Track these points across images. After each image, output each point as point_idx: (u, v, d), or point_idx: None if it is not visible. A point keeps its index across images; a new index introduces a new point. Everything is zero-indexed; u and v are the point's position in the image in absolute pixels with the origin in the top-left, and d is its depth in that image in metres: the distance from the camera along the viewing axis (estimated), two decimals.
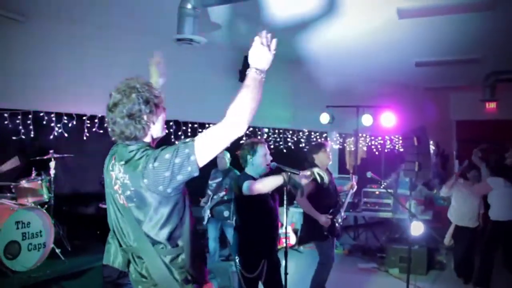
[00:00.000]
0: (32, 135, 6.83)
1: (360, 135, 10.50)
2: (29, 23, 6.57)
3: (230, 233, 6.50)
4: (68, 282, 5.10)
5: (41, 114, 6.93)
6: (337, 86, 9.60)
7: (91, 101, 7.15)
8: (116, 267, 2.43)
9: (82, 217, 7.18)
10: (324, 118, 9.19)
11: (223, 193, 6.45)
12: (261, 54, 2.33)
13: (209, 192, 6.69)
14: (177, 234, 2.27)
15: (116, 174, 2.31)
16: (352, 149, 10.86)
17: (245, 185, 3.72)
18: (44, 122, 6.96)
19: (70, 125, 7.13)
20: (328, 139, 10.27)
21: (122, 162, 2.29)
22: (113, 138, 2.36)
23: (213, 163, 6.78)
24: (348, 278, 6.68)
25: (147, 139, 2.36)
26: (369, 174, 5.57)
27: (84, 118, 7.29)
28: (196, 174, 2.16)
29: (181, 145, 2.18)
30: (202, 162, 2.17)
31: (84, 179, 7.19)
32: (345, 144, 11.16)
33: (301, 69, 9.14)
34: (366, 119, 8.95)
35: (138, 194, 2.21)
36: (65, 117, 7.10)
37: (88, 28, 6.89)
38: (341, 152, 11.14)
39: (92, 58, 7.04)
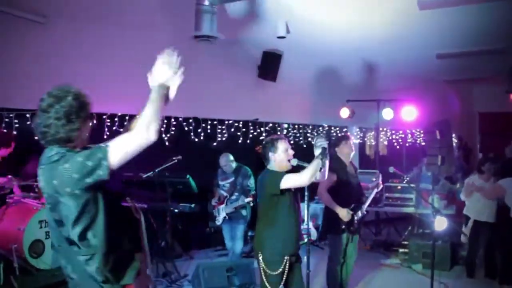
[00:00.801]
0: None
1: (380, 129, 10.38)
2: (49, 25, 6.63)
3: (240, 231, 6.53)
4: None
5: None
6: (357, 80, 9.50)
7: (110, 100, 7.20)
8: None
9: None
10: (344, 112, 9.11)
11: (249, 198, 6.37)
12: (162, 71, 2.53)
13: (223, 193, 6.62)
14: (89, 235, 2.30)
15: (39, 178, 2.38)
16: (373, 143, 10.75)
17: (285, 179, 3.69)
18: None
19: (90, 124, 7.18)
20: (349, 133, 10.17)
21: (42, 166, 2.35)
22: (42, 142, 2.38)
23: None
24: (370, 274, 6.61)
25: (78, 144, 2.39)
26: (391, 169, 5.49)
27: (104, 117, 7.34)
28: (106, 178, 2.21)
29: (95, 149, 2.23)
30: (114, 167, 2.22)
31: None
32: (365, 139, 11.05)
33: (321, 63, 9.06)
34: (387, 113, 8.84)
35: (51, 196, 2.29)
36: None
37: (107, 27, 6.91)
38: (362, 146, 11.04)
39: (111, 57, 7.07)
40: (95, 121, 7.14)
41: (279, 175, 3.77)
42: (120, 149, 2.24)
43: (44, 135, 2.32)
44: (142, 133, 2.30)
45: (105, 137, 7.25)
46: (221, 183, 6.67)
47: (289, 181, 3.72)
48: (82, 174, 2.17)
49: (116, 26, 6.93)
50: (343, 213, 4.99)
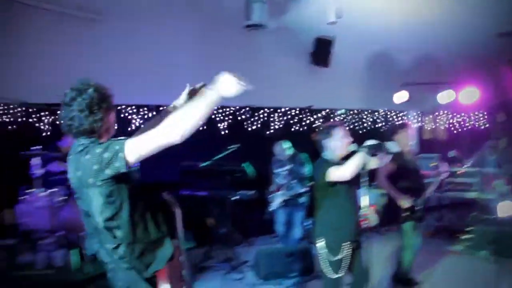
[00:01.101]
0: (114, 127, 7.13)
1: (439, 112, 10.11)
2: (105, 21, 6.84)
3: (299, 218, 6.58)
4: None
5: (121, 107, 7.23)
6: (413, 62, 9.26)
7: (167, 92, 7.33)
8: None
9: (164, 203, 7.43)
10: (401, 96, 8.91)
11: (306, 188, 6.42)
12: (231, 85, 2.41)
13: (281, 181, 6.67)
14: (113, 225, 2.35)
15: (68, 169, 2.44)
16: (431, 127, 10.47)
17: (330, 172, 3.68)
18: (124, 115, 7.27)
19: (148, 116, 7.41)
20: (406, 118, 9.96)
21: (70, 157, 2.42)
22: (69, 135, 2.46)
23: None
24: (433, 261, 6.47)
25: (103, 135, 2.46)
26: (452, 153, 5.37)
27: (161, 108, 7.51)
28: (124, 170, 2.22)
29: (113, 141, 2.27)
30: (132, 161, 2.22)
31: (164, 167, 7.43)
32: (423, 123, 10.78)
33: (375, 47, 8.89)
34: (446, 96, 8.57)
35: (77, 187, 2.36)
36: (144, 109, 7.37)
37: (159, 21, 7.06)
38: (420, 131, 10.78)
39: (163, 50, 7.22)
40: (154, 113, 7.37)
41: (326, 167, 3.75)
42: (138, 144, 2.24)
43: (70, 128, 2.39)
44: (166, 133, 2.26)
45: None
46: (276, 171, 6.72)
47: (333, 175, 3.70)
48: (101, 166, 2.22)
49: (170, 19, 7.06)
50: (403, 202, 4.92)
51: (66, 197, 5.42)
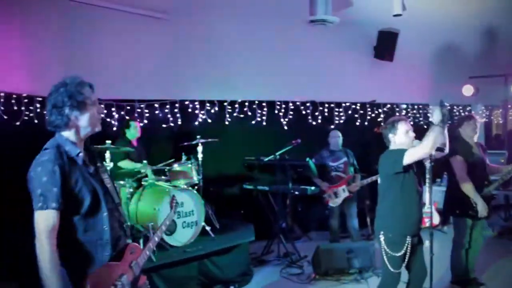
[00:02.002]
0: (179, 123, 7.39)
1: (509, 106, 9.67)
2: (170, 20, 7.06)
3: (355, 209, 6.71)
4: (218, 258, 5.47)
5: (186, 102, 7.46)
6: (480, 55, 8.91)
7: (230, 88, 7.54)
8: None
9: (227, 197, 7.63)
10: (468, 90, 8.63)
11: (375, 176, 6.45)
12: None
13: (341, 175, 6.67)
14: None
15: None
16: (500, 122, 10.04)
17: (408, 153, 3.64)
18: (189, 110, 7.48)
19: (212, 111, 7.59)
20: (473, 112, 9.61)
21: None
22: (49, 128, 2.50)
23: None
24: (498, 262, 6.23)
25: (71, 132, 2.46)
26: None
27: (225, 104, 7.69)
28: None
29: None
30: None
31: (228, 161, 7.61)
32: (492, 117, 10.35)
33: (440, 40, 8.63)
34: None
35: None
36: (208, 104, 7.56)
37: (224, 18, 7.20)
38: (487, 125, 10.36)
39: (228, 46, 7.36)
40: (216, 108, 7.54)
41: (401, 151, 3.71)
42: None
43: (47, 122, 2.47)
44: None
45: (226, 123, 7.63)
46: (333, 164, 6.70)
47: (412, 154, 3.63)
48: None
49: (234, 17, 7.18)
50: (481, 208, 4.79)
51: (132, 190, 5.66)
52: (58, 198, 2.29)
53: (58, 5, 6.16)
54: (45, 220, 2.27)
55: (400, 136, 3.84)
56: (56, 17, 6.31)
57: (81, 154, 2.46)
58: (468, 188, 4.86)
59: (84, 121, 2.47)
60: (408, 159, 3.64)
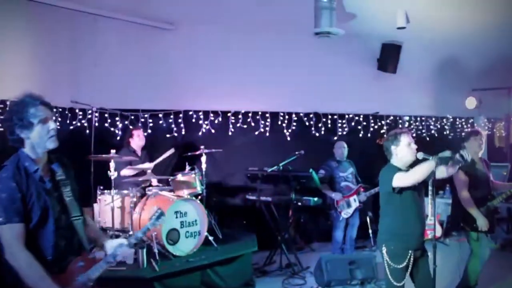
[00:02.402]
0: (183, 133, 7.44)
1: None
2: (176, 31, 7.14)
3: (358, 219, 6.79)
4: (221, 268, 5.47)
5: (190, 112, 7.51)
6: (483, 67, 8.94)
7: (234, 98, 7.60)
8: None
9: (230, 207, 7.64)
10: (471, 102, 8.65)
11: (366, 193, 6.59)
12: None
13: (350, 185, 6.72)
14: None
15: None
16: (503, 134, 10.06)
17: (396, 177, 3.68)
18: (193, 120, 7.53)
19: (216, 121, 7.63)
20: (475, 124, 9.62)
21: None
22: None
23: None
24: (501, 275, 6.21)
25: (28, 148, 2.56)
26: None
27: (228, 114, 7.74)
28: None
29: None
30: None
31: (231, 172, 7.64)
32: (494, 130, 10.37)
33: (443, 52, 8.68)
34: None
35: None
36: (212, 115, 7.61)
37: (228, 29, 7.28)
38: (490, 138, 10.36)
39: (232, 57, 7.43)
40: (220, 119, 7.59)
41: (392, 173, 3.74)
42: None
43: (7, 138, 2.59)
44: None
45: (229, 133, 7.67)
46: (342, 175, 6.76)
47: (400, 180, 3.68)
48: None
49: (238, 28, 7.25)
50: (481, 222, 4.80)
51: (136, 199, 5.70)
52: (19, 211, 2.41)
53: (64, 15, 6.24)
54: (10, 232, 2.39)
55: (402, 148, 3.86)
56: (62, 26, 6.39)
57: (38, 171, 2.54)
58: (467, 203, 4.88)
59: (35, 139, 2.54)
60: (396, 183, 3.69)
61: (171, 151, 6.34)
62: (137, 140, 6.38)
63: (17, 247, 2.38)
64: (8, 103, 2.65)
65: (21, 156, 2.55)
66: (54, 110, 6.40)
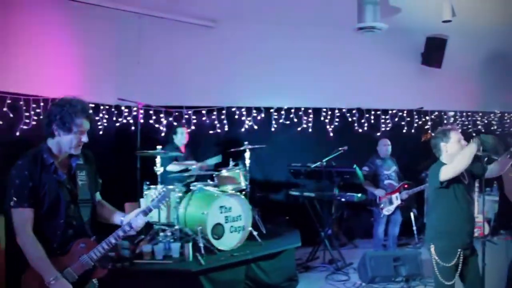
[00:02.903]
0: (226, 129, 7.52)
1: None
2: (218, 28, 7.22)
3: (399, 217, 6.70)
4: (265, 262, 5.52)
5: (233, 109, 7.59)
6: None
7: (277, 94, 7.62)
8: None
9: (273, 202, 7.69)
10: None
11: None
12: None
13: (393, 183, 6.67)
14: None
15: None
16: None
17: (442, 170, 3.63)
18: (236, 117, 7.61)
19: (259, 117, 7.68)
20: None
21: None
22: None
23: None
24: None
25: (53, 143, 2.73)
26: None
27: (271, 110, 7.78)
28: None
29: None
30: None
31: (274, 167, 7.68)
32: None
33: (490, 46, 8.44)
34: None
35: None
36: (254, 111, 7.66)
37: (271, 26, 7.30)
38: None
39: (274, 54, 7.45)
40: (263, 115, 7.64)
41: (439, 168, 3.69)
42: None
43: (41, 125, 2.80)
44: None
45: (272, 129, 7.70)
46: (387, 172, 6.70)
47: (447, 172, 3.62)
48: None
49: (280, 24, 7.28)
50: None
51: (181, 194, 5.80)
52: (29, 198, 2.60)
53: (110, 14, 6.40)
54: (19, 216, 2.61)
55: (452, 145, 3.79)
56: (108, 26, 6.56)
57: (53, 164, 2.71)
58: None
59: (65, 141, 2.72)
60: (443, 176, 3.64)
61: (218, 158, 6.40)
62: (181, 137, 6.49)
63: (23, 230, 2.59)
64: (56, 99, 2.76)
65: (43, 147, 2.73)
66: (107, 107, 6.65)
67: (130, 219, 2.87)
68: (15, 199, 2.59)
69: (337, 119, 8.10)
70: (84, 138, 2.75)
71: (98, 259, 2.76)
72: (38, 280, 2.60)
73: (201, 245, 5.20)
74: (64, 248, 2.71)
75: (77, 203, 2.79)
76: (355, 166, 6.40)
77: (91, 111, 2.79)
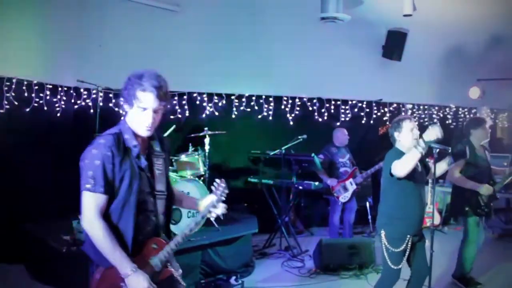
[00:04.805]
0: (187, 114, 7.47)
1: None
2: (182, 13, 7.12)
3: (355, 203, 6.86)
4: (222, 248, 5.56)
5: (195, 95, 7.54)
6: (488, 57, 8.93)
7: (238, 81, 7.62)
8: None
9: (231, 189, 7.66)
10: (474, 92, 8.66)
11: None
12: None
13: (348, 170, 6.81)
14: None
15: None
16: (506, 125, 10.08)
17: (393, 165, 3.74)
18: (197, 102, 7.57)
19: (220, 104, 7.66)
20: (478, 114, 9.64)
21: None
22: None
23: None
24: (498, 264, 6.28)
25: (128, 121, 2.46)
26: None
27: (232, 97, 7.77)
28: None
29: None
30: None
31: (233, 154, 7.70)
32: (497, 121, 10.39)
33: (449, 41, 8.67)
34: None
35: None
36: (216, 97, 7.64)
37: (236, 13, 7.26)
38: (492, 129, 10.37)
39: (240, 40, 7.42)
40: (224, 101, 7.62)
41: (394, 158, 3.79)
42: None
43: None
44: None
45: (233, 116, 7.71)
46: (342, 160, 6.83)
47: (394, 169, 3.74)
48: None
49: (243, 10, 7.24)
50: (484, 189, 4.86)
51: None
52: (106, 182, 2.34)
53: None
54: (93, 201, 2.34)
55: (404, 134, 3.91)
56: (70, 5, 6.41)
57: (137, 147, 2.45)
58: (461, 181, 4.96)
59: (130, 119, 2.46)
60: (393, 171, 3.75)
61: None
62: None
63: (95, 215, 2.33)
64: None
65: (123, 127, 2.47)
66: (65, 89, 6.49)
67: (207, 206, 2.62)
68: (91, 181, 2.31)
69: (297, 108, 8.16)
70: (148, 119, 2.40)
71: (166, 261, 2.54)
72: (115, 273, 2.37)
73: None
74: (139, 246, 2.45)
75: (155, 195, 2.53)
76: (313, 154, 6.49)
77: (158, 85, 2.39)
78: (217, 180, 2.62)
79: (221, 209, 2.64)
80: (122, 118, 2.54)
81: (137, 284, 2.35)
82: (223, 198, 2.63)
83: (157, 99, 2.38)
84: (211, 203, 2.61)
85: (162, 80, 2.45)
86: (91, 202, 2.34)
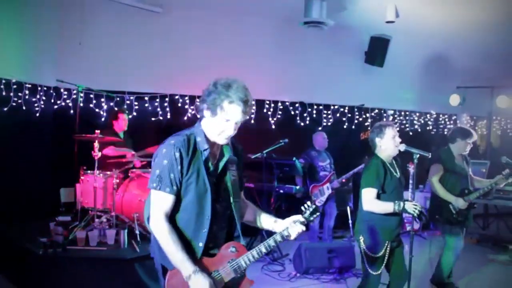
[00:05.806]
0: (168, 117, 7.42)
1: (494, 118, 9.86)
2: (165, 14, 7.11)
3: (335, 208, 6.91)
4: None
5: (177, 97, 7.49)
6: (469, 66, 9.06)
7: None
8: None
9: None
10: (454, 99, 8.76)
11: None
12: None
13: (327, 174, 6.84)
14: None
15: None
16: (485, 133, 10.22)
17: (365, 195, 3.87)
18: (179, 104, 7.52)
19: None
20: (458, 122, 9.76)
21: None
22: None
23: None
24: (476, 269, 6.35)
25: (204, 125, 2.46)
26: (504, 159, 5.22)
27: None
28: None
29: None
30: None
31: None
32: (476, 128, 10.53)
33: (430, 48, 8.77)
34: (502, 101, 8.38)
35: None
36: (198, 99, 7.58)
37: (217, 15, 7.28)
38: None
39: (220, 43, 7.43)
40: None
41: (372, 167, 3.86)
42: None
43: None
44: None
45: None
46: (322, 164, 6.86)
47: (370, 204, 3.85)
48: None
49: (226, 13, 7.25)
50: (459, 203, 4.88)
51: (119, 181, 5.70)
52: (173, 183, 2.35)
53: None
54: (158, 199, 2.36)
55: (386, 141, 3.92)
56: (50, 4, 6.34)
57: (207, 151, 2.44)
58: (438, 189, 4.98)
59: (210, 126, 2.42)
60: (365, 204, 3.88)
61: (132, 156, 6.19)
62: (121, 123, 6.37)
63: (160, 215, 2.33)
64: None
65: (197, 130, 2.47)
66: (45, 89, 6.41)
67: (286, 226, 2.55)
68: (157, 180, 2.33)
69: (280, 112, 8.16)
70: (229, 130, 2.40)
71: (246, 268, 2.48)
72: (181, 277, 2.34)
73: (137, 232, 5.14)
74: (211, 250, 2.44)
75: (224, 201, 2.50)
76: (294, 158, 6.49)
77: (245, 99, 2.37)
78: (309, 203, 2.58)
79: (298, 228, 2.55)
80: (197, 121, 2.52)
81: (198, 286, 2.31)
82: (309, 221, 2.58)
83: (243, 113, 2.39)
84: (297, 220, 2.56)
85: (249, 94, 2.43)
86: (156, 200, 2.36)
